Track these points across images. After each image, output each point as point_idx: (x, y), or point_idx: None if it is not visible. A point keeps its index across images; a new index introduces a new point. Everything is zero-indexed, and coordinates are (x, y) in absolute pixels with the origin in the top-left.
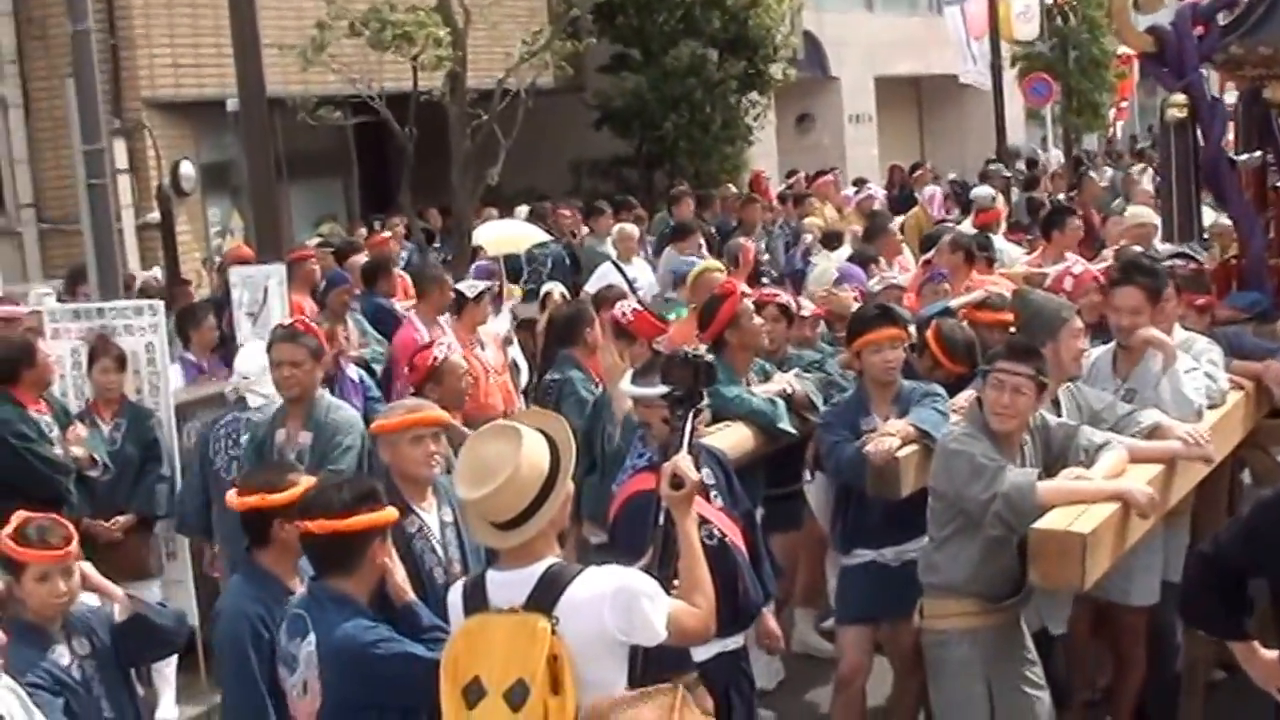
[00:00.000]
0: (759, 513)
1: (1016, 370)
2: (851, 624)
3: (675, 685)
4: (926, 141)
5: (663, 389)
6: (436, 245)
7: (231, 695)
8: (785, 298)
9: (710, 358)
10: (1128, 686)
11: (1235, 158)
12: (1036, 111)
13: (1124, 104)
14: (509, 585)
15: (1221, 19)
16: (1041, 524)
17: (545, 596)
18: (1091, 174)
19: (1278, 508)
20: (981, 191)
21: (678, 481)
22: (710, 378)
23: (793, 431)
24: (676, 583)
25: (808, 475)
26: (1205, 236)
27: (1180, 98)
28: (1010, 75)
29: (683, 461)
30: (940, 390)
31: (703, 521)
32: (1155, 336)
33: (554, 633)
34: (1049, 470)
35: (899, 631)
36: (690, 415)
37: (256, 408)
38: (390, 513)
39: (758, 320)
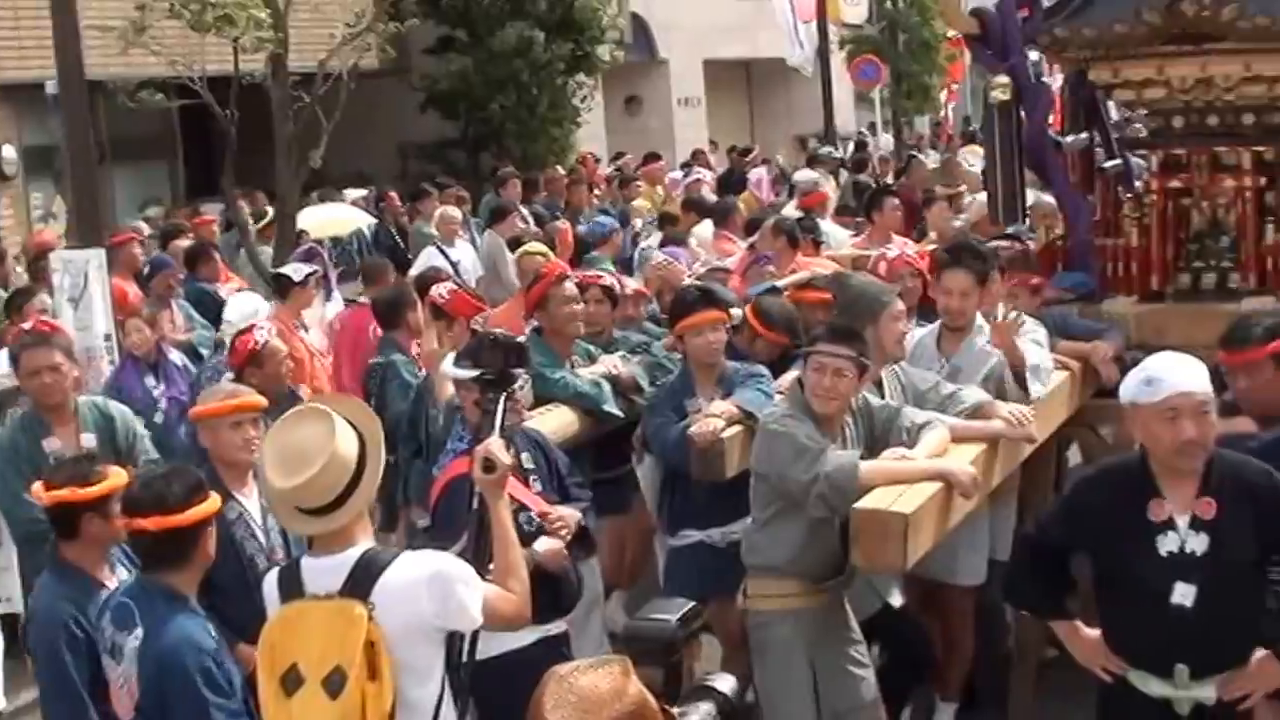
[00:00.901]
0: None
1: (837, 353)
2: None
3: (622, 656)
4: (756, 124)
5: (475, 371)
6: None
7: (49, 698)
8: (608, 279)
9: (522, 340)
10: (956, 666)
11: (1061, 139)
12: (866, 94)
13: (955, 86)
14: (324, 571)
15: (1045, 1)
16: (863, 504)
17: (361, 582)
18: (919, 157)
19: (1094, 486)
20: (803, 175)
21: (489, 465)
22: (521, 360)
23: (618, 414)
24: (492, 567)
25: (636, 458)
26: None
27: (1004, 80)
28: (839, 58)
29: (494, 445)
30: (764, 371)
31: (522, 507)
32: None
33: (370, 619)
34: (872, 451)
35: (725, 612)
36: (502, 398)
37: None
38: (216, 501)
39: (578, 305)
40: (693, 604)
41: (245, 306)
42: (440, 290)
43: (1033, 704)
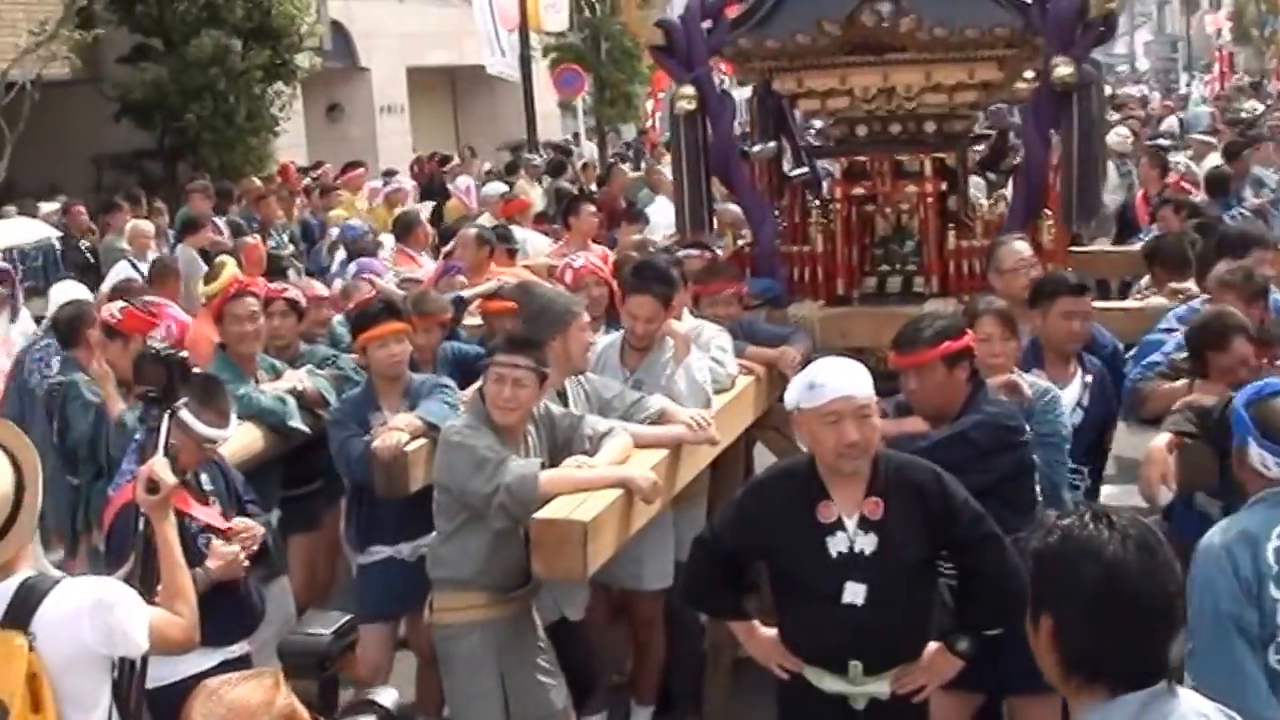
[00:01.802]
0: (275, 515)
1: (516, 363)
2: (369, 623)
3: (274, 669)
4: (461, 132)
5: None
6: None
7: None
8: (294, 292)
9: (184, 355)
10: (648, 670)
11: (750, 148)
12: (570, 103)
13: (661, 95)
14: None
15: (730, 13)
16: (542, 514)
17: (20, 613)
18: (620, 165)
19: (764, 490)
20: (492, 187)
21: (152, 486)
22: (185, 376)
23: (305, 430)
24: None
25: None
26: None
27: (690, 90)
28: (543, 66)
29: (158, 465)
30: (450, 383)
31: (204, 528)
32: (669, 328)
33: (31, 649)
34: (555, 460)
35: (418, 627)
36: (167, 416)
37: None
38: None
39: (259, 321)
40: (348, 617)
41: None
42: (111, 309)
43: (728, 703)
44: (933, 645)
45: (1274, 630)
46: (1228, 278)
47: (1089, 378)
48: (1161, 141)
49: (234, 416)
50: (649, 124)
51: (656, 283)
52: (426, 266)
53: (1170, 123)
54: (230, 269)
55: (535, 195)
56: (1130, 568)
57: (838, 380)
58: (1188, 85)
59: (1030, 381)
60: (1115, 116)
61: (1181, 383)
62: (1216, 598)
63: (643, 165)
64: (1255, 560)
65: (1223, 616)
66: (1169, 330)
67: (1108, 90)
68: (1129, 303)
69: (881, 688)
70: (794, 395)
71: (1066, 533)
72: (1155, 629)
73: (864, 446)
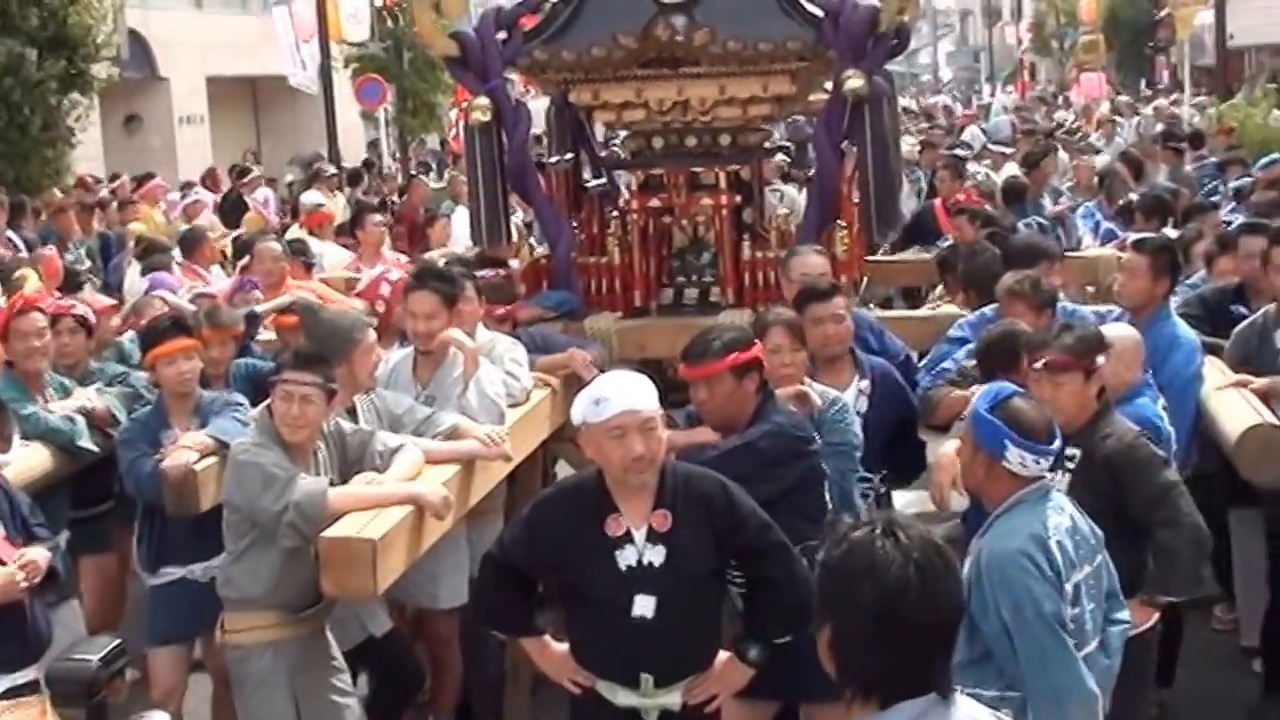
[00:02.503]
0: (64, 536)
1: (303, 380)
2: (163, 645)
3: (42, 696)
4: (264, 143)
5: None
6: None
7: None
8: (82, 309)
9: None
10: (447, 687)
11: (547, 160)
12: (372, 114)
13: (464, 105)
14: None
15: (526, 24)
16: (331, 532)
17: None
18: (421, 176)
19: (552, 504)
20: (308, 197)
21: None
22: None
23: (94, 449)
24: None
25: None
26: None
27: (484, 101)
28: (345, 76)
29: None
30: (241, 399)
31: None
32: (457, 339)
33: None
34: (345, 477)
35: (213, 647)
36: None
37: None
38: None
39: (45, 338)
40: (117, 642)
41: None
42: None
43: (530, 717)
44: (723, 655)
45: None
46: (1016, 288)
47: (865, 383)
48: (960, 152)
49: (17, 439)
50: (452, 134)
51: (434, 279)
52: (217, 282)
53: (971, 132)
54: (32, 282)
55: (335, 207)
56: (911, 592)
57: (622, 394)
58: (990, 95)
59: (820, 391)
60: (924, 125)
61: (971, 389)
62: (1037, 602)
63: (445, 176)
64: (1049, 559)
65: (1048, 619)
66: (961, 340)
67: (912, 101)
68: (921, 311)
69: (673, 700)
70: (580, 411)
71: (852, 548)
72: (930, 650)
73: (651, 459)
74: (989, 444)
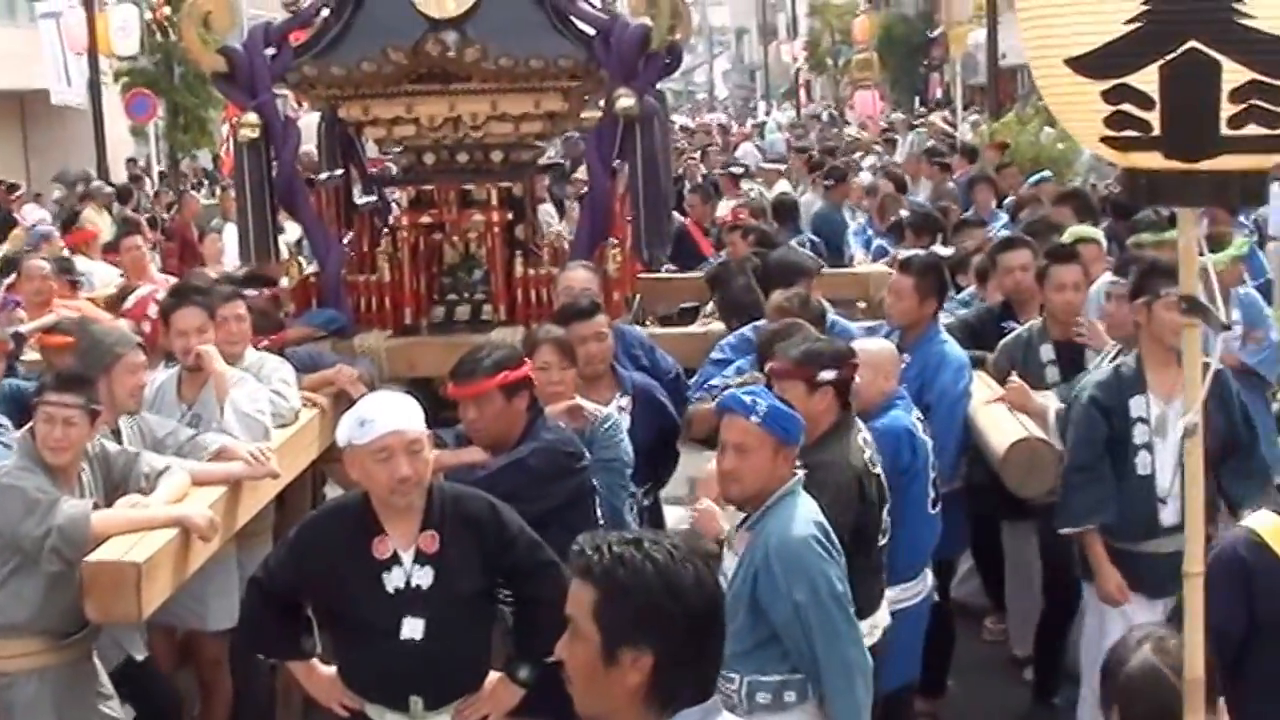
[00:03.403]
0: None
1: (65, 402)
2: None
3: None
4: (31, 160)
5: None
6: None
7: None
8: None
9: None
10: (216, 711)
11: (316, 176)
12: (142, 129)
13: (235, 121)
14: None
15: (296, 39)
16: (94, 556)
17: None
18: (191, 193)
19: (318, 527)
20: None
21: None
22: None
23: None
24: None
25: None
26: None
27: (253, 118)
28: (115, 91)
29: None
30: (4, 421)
31: None
32: (206, 356)
33: None
34: (110, 499)
35: None
36: None
37: None
38: None
39: None
40: None
41: None
42: None
43: None
44: (494, 675)
45: None
46: (785, 304)
47: (625, 400)
48: (734, 169)
49: None
50: (223, 149)
51: (193, 293)
52: None
53: (746, 149)
54: None
55: (104, 224)
56: (717, 604)
57: (387, 416)
58: (765, 113)
59: (593, 408)
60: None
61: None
62: (831, 583)
63: (217, 192)
64: (831, 543)
65: (840, 598)
66: (724, 361)
67: (689, 118)
68: (692, 328)
69: None
70: (345, 432)
71: (662, 569)
72: (719, 656)
73: (417, 481)
74: (788, 431)
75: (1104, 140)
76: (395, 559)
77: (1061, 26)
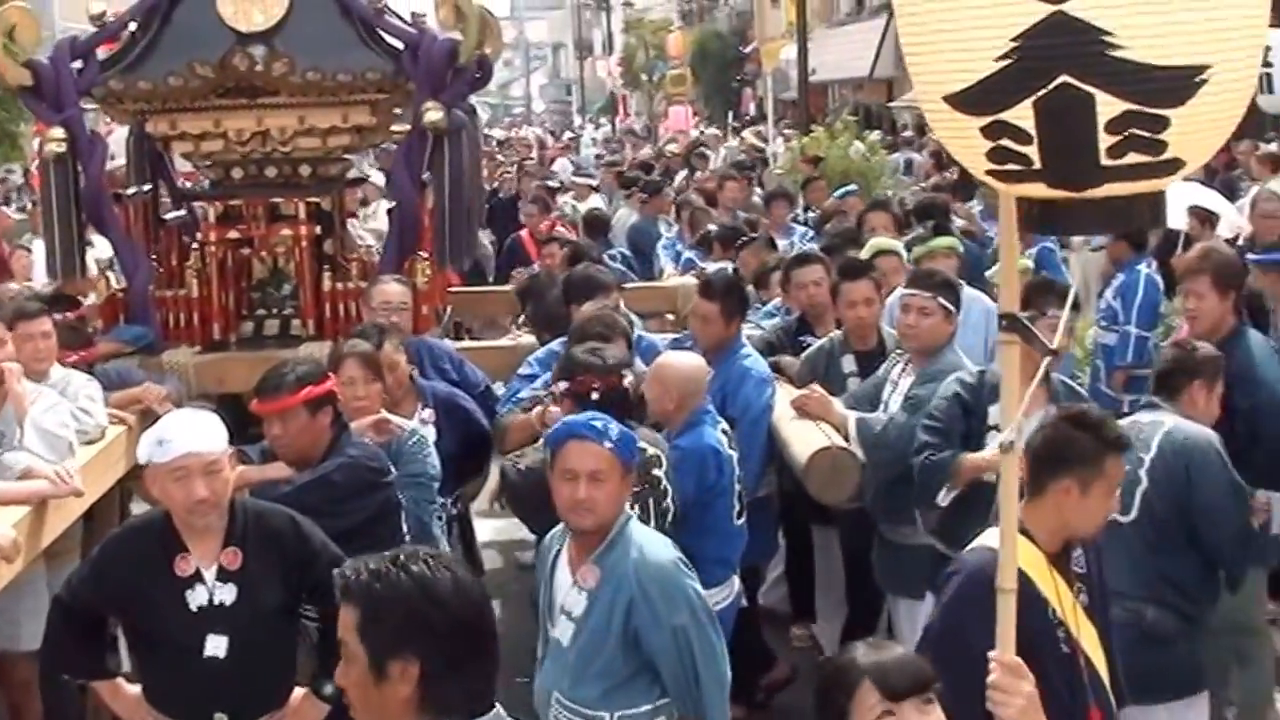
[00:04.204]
0: None
1: None
2: None
3: None
4: None
5: None
6: None
7: None
8: None
9: None
10: None
11: (124, 191)
12: None
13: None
14: None
15: (101, 53)
16: None
17: None
18: (3, 208)
19: (121, 545)
20: None
21: None
22: None
23: None
24: None
25: None
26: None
27: (59, 132)
28: None
29: None
30: None
31: None
32: (6, 373)
33: None
34: None
35: None
36: None
37: None
38: None
39: None
40: None
41: None
42: None
43: None
44: (299, 691)
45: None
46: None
47: (428, 412)
48: (550, 183)
49: None
50: (34, 164)
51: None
52: None
53: (562, 164)
54: None
55: None
56: (487, 618)
57: (186, 436)
58: (580, 128)
59: (399, 423)
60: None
61: (535, 411)
62: (704, 602)
63: (28, 206)
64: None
65: (713, 615)
66: (531, 376)
67: (506, 133)
68: (502, 341)
69: None
70: (144, 450)
71: (420, 581)
72: (492, 673)
73: (214, 502)
74: (634, 456)
75: (989, 173)
76: (198, 576)
77: (940, 63)
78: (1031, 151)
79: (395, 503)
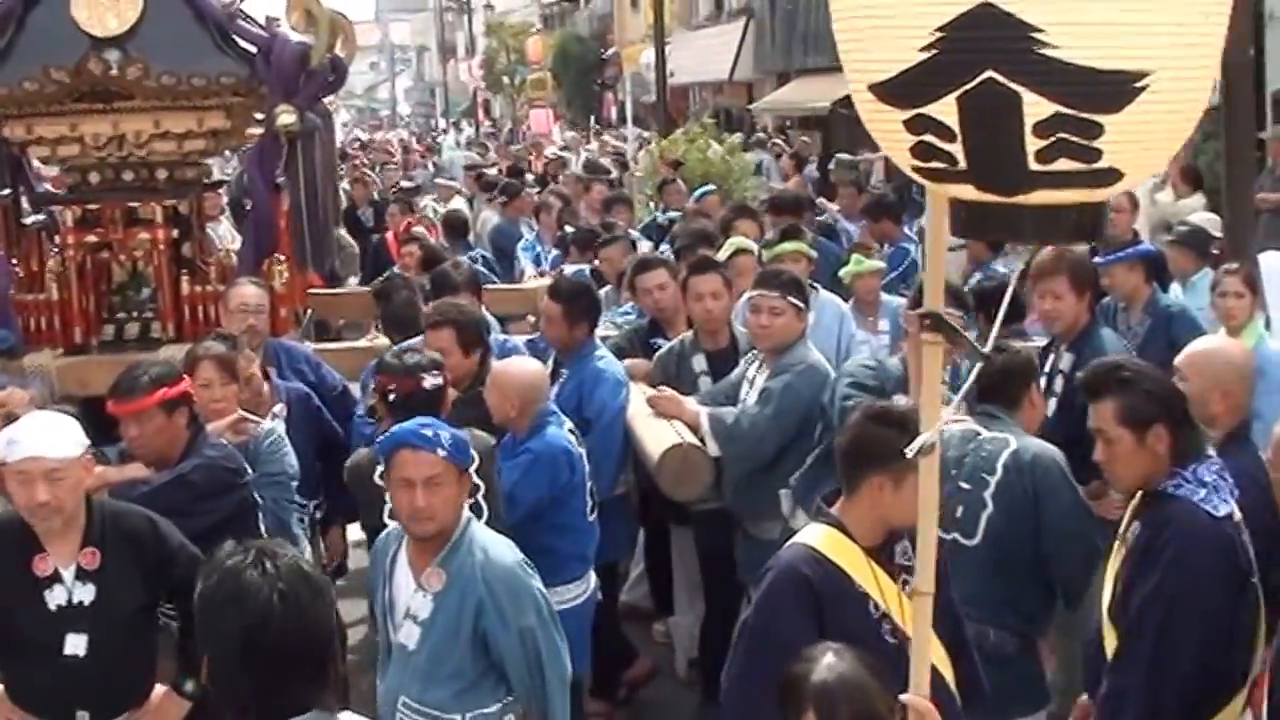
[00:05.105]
0: None
1: None
2: None
3: None
4: None
5: None
6: None
7: None
8: None
9: None
10: None
11: None
12: None
13: None
14: None
15: None
16: None
17: None
18: None
19: None
20: None
21: None
22: None
23: None
24: None
25: None
26: None
27: None
28: None
29: None
30: None
31: None
32: None
33: None
34: None
35: None
36: None
37: None
38: None
39: None
40: None
41: None
42: None
43: None
44: (160, 689)
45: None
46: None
47: (280, 407)
48: (405, 185)
49: None
50: None
51: None
52: None
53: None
54: None
55: None
56: (274, 619)
57: (32, 439)
58: (444, 131)
59: (256, 423)
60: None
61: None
62: (548, 601)
63: None
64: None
65: (555, 614)
66: None
67: (370, 135)
68: (358, 342)
69: None
70: None
71: (222, 577)
72: (304, 674)
73: (55, 507)
74: (468, 457)
75: (915, 170)
76: (56, 576)
77: (867, 52)
78: (956, 149)
79: (252, 502)
